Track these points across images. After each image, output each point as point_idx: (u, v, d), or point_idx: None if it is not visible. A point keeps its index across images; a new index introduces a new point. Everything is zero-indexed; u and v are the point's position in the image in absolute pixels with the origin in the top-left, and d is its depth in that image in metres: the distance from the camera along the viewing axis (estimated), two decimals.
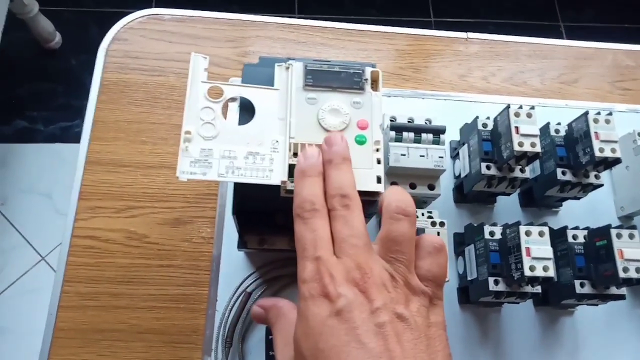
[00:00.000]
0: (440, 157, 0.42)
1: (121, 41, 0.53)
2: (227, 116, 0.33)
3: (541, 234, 0.37)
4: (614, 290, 0.39)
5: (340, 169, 0.29)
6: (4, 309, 1.12)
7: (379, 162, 0.32)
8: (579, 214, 0.49)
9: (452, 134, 0.49)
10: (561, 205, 0.48)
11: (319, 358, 0.24)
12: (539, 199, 0.46)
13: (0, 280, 1.15)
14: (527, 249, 0.36)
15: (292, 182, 0.31)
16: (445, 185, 0.49)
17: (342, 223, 0.27)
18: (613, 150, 0.40)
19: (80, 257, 0.45)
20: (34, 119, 1.31)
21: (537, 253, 0.36)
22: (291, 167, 0.31)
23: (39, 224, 1.21)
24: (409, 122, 0.44)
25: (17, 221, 1.21)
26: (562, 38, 1.58)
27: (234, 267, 0.44)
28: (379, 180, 0.32)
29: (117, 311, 0.43)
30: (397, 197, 0.28)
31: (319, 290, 0.25)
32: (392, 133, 0.42)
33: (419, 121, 0.44)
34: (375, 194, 0.32)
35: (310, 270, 0.26)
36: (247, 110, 0.33)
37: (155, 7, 0.55)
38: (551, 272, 0.36)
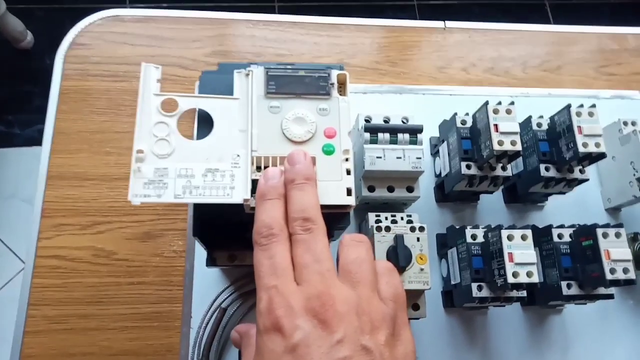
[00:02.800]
0: (417, 158, 0.40)
1: (80, 46, 0.50)
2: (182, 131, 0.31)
3: (524, 237, 0.35)
4: (601, 290, 0.38)
5: (303, 189, 0.27)
6: None
7: (348, 172, 0.30)
8: (565, 208, 0.47)
9: (432, 130, 0.47)
10: (546, 200, 0.47)
11: None
12: (523, 195, 0.45)
13: None
14: (510, 254, 0.35)
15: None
16: (427, 184, 0.47)
17: (304, 248, 0.25)
18: (597, 145, 0.38)
19: (46, 279, 0.42)
20: (10, 123, 1.28)
21: (521, 258, 0.35)
22: (254, 183, 0.29)
23: (22, 230, 1.18)
24: (384, 121, 0.41)
25: None
26: (548, 17, 1.55)
27: (208, 281, 0.42)
28: (349, 192, 0.30)
29: (88, 333, 0.41)
30: (350, 235, 0.28)
31: (271, 324, 0.23)
32: (367, 135, 0.40)
33: (396, 120, 0.41)
34: (346, 207, 0.30)
35: (265, 300, 0.24)
36: (205, 123, 0.31)
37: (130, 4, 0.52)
38: (535, 278, 0.34)
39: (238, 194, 0.29)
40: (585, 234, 0.37)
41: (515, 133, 0.37)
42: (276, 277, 0.24)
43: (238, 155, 0.30)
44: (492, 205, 0.47)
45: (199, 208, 0.31)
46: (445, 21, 0.55)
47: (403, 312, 0.26)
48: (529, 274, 0.34)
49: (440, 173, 0.45)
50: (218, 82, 0.33)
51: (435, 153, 0.47)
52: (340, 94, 0.32)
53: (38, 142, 1.27)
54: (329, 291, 0.23)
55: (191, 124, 0.45)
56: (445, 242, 0.43)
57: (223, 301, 0.41)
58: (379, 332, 0.23)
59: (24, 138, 1.27)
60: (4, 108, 1.28)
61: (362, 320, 0.23)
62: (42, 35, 1.34)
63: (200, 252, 0.43)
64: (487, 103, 0.39)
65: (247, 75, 0.32)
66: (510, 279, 0.34)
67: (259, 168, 0.29)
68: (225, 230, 0.33)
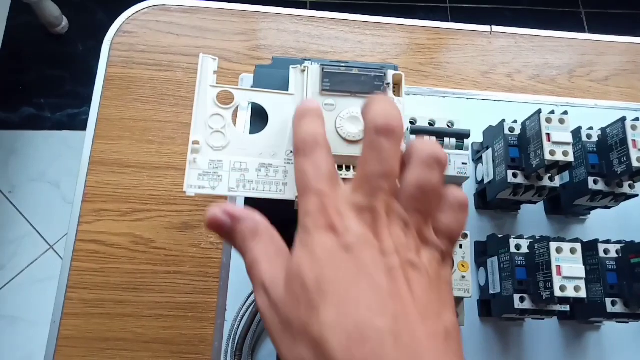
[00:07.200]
0: (463, 164, 0.39)
1: (126, 34, 0.50)
2: (237, 124, 0.31)
3: (573, 251, 0.35)
4: None
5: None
6: (14, 298, 1.12)
7: None
8: (607, 223, 0.46)
9: (474, 136, 0.46)
10: (589, 214, 0.46)
11: (325, 286, 0.21)
12: (566, 207, 0.44)
13: (10, 269, 1.14)
14: (558, 267, 0.34)
15: None
16: (466, 190, 0.46)
17: (375, 154, 0.22)
18: None
19: (84, 262, 0.43)
20: (41, 106, 1.30)
21: (569, 272, 0.34)
22: None
23: (48, 212, 1.20)
24: (429, 124, 0.41)
25: (26, 210, 1.20)
26: (583, 26, 1.52)
27: (244, 275, 0.42)
28: None
29: (123, 319, 0.42)
30: (430, 145, 0.24)
31: (325, 223, 0.22)
32: (413, 137, 0.40)
33: (440, 123, 0.41)
34: None
35: (314, 202, 0.22)
36: (259, 118, 0.31)
37: None
38: (583, 293, 0.34)
39: (290, 191, 0.29)
40: (636, 251, 0.36)
41: (568, 144, 0.37)
42: (323, 182, 0.22)
43: (291, 152, 0.30)
44: (533, 216, 0.46)
45: (250, 202, 0.31)
46: (492, 25, 0.54)
47: (451, 248, 0.24)
48: (576, 289, 0.34)
49: (482, 180, 0.44)
50: (272, 76, 0.33)
51: (477, 159, 0.46)
52: (395, 95, 0.32)
53: (67, 126, 1.30)
54: (383, 210, 0.22)
55: (233, 117, 0.45)
56: (484, 250, 0.43)
57: None
58: (423, 253, 0.23)
59: (53, 122, 1.29)
60: (36, 91, 1.31)
61: (409, 240, 0.22)
62: (76, 22, 1.36)
63: None
64: (539, 111, 0.38)
65: (303, 71, 0.32)
66: (558, 293, 0.33)
67: None
68: (272, 225, 0.33)
